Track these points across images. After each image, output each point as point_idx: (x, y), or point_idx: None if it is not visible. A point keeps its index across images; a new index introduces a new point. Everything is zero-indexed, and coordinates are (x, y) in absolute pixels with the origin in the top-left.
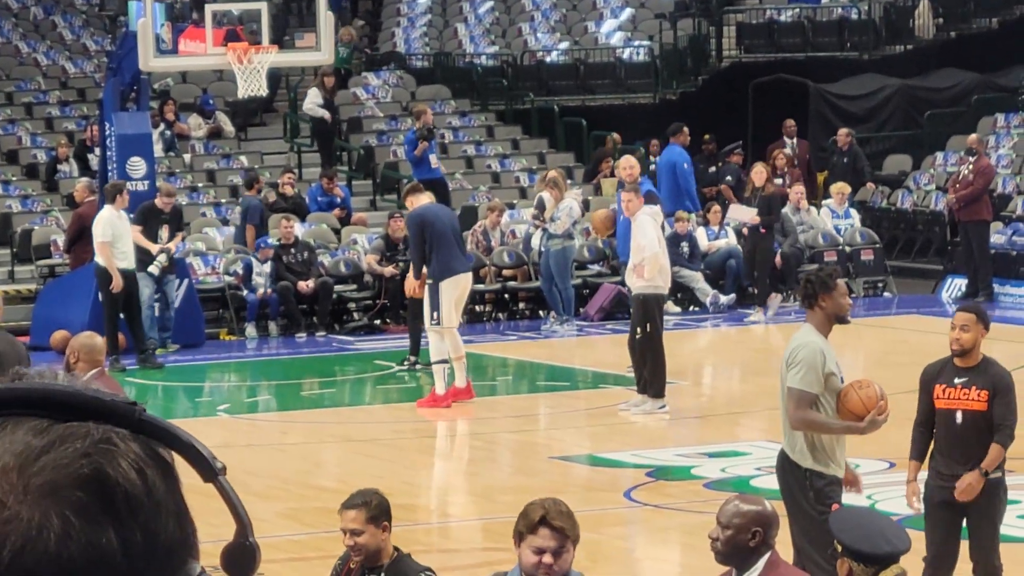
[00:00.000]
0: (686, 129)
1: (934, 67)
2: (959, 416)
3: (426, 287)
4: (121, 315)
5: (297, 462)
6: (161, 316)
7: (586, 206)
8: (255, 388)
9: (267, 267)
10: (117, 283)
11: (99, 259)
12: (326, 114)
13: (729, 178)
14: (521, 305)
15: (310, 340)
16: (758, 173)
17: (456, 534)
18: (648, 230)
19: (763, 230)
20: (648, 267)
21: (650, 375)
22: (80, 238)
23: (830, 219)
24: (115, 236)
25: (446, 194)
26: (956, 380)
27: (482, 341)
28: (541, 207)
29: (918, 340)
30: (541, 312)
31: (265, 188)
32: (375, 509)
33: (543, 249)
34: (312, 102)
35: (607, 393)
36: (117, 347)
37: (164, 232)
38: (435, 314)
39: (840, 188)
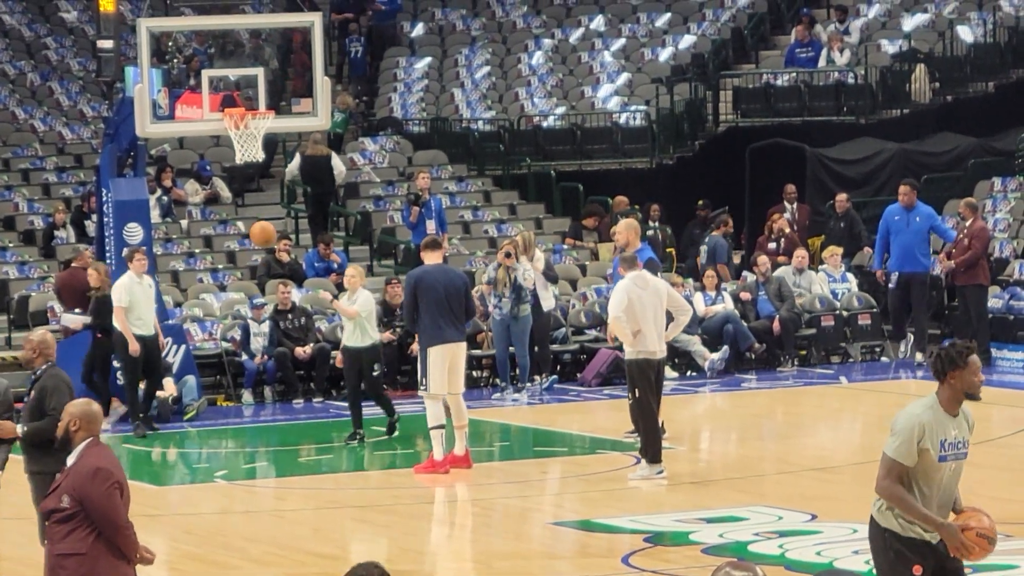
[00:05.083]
0: (904, 188)
1: (931, 131)
2: None
3: (419, 352)
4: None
5: (295, 528)
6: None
7: (583, 271)
8: (252, 454)
9: (265, 327)
10: (134, 348)
11: (116, 324)
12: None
13: (700, 252)
14: (518, 371)
15: (307, 406)
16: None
17: None
18: (617, 297)
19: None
20: (619, 333)
21: (643, 441)
22: (63, 302)
23: (827, 283)
24: (132, 302)
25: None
26: None
27: (480, 407)
28: (493, 281)
29: None
30: (537, 377)
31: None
32: None
33: (515, 316)
34: (339, 171)
35: (604, 458)
36: (138, 412)
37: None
38: (424, 380)
39: (833, 251)
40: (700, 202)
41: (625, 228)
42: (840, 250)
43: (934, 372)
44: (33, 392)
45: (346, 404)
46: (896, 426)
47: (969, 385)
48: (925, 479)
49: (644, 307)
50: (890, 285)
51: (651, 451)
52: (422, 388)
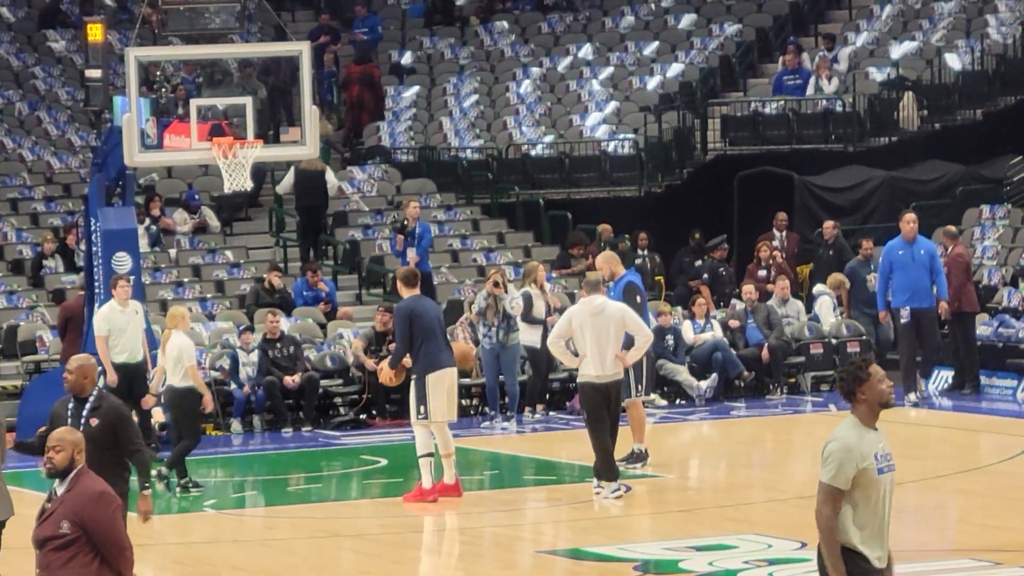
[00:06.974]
0: (909, 216)
1: (919, 159)
2: None
3: (412, 381)
4: None
5: (284, 557)
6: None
7: (572, 299)
8: (241, 483)
9: (253, 356)
10: (111, 378)
11: (98, 353)
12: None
13: (705, 275)
14: (507, 399)
15: (296, 435)
16: None
17: None
18: (559, 322)
19: None
20: (557, 356)
21: (596, 462)
22: (67, 330)
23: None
24: (112, 330)
25: (431, 287)
26: None
27: (469, 435)
28: (482, 310)
29: (904, 432)
30: (528, 406)
31: None
32: None
33: (504, 345)
34: (332, 184)
35: (593, 487)
36: None
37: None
38: (422, 408)
39: (841, 281)
40: (696, 235)
41: (605, 261)
42: (845, 280)
43: (843, 394)
44: (97, 420)
45: (335, 433)
46: (827, 453)
47: (879, 394)
48: (865, 499)
49: (584, 332)
50: (902, 321)
51: (603, 471)
52: (420, 416)
